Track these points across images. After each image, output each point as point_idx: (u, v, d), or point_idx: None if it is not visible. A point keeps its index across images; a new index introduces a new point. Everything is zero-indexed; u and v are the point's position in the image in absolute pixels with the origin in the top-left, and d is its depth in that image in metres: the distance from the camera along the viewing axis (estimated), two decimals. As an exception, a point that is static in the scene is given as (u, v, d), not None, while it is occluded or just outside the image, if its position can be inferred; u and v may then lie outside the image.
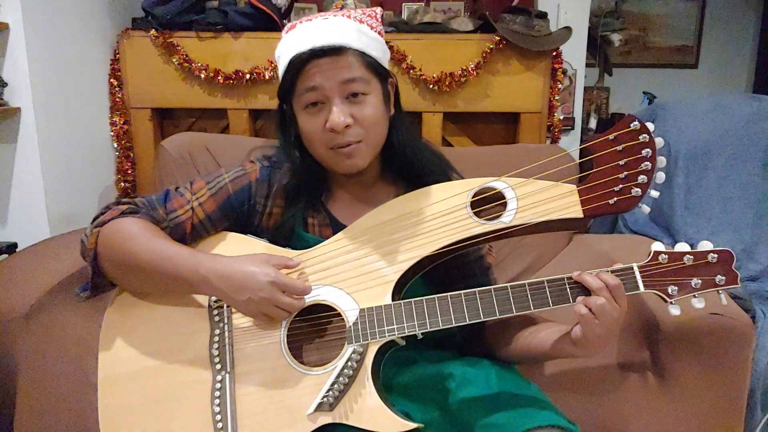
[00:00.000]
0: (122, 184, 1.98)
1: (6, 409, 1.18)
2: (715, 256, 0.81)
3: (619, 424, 1.17)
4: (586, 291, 0.80)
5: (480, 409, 0.86)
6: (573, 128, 2.29)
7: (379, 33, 0.95)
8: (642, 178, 0.82)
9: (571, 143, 2.29)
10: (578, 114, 2.30)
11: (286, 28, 0.94)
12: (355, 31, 0.90)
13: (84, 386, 1.11)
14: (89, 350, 1.11)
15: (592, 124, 2.64)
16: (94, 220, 0.93)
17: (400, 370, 0.95)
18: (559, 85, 1.99)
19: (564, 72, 2.08)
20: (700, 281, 0.81)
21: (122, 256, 0.89)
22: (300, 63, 0.88)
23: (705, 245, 0.83)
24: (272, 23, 1.90)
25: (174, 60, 1.89)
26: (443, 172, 1.01)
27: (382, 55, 0.95)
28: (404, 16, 2.17)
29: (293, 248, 0.93)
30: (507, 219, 0.85)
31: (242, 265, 0.85)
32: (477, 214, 0.86)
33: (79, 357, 1.13)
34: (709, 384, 1.13)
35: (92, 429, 0.89)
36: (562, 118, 2.15)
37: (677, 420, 1.15)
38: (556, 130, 2.05)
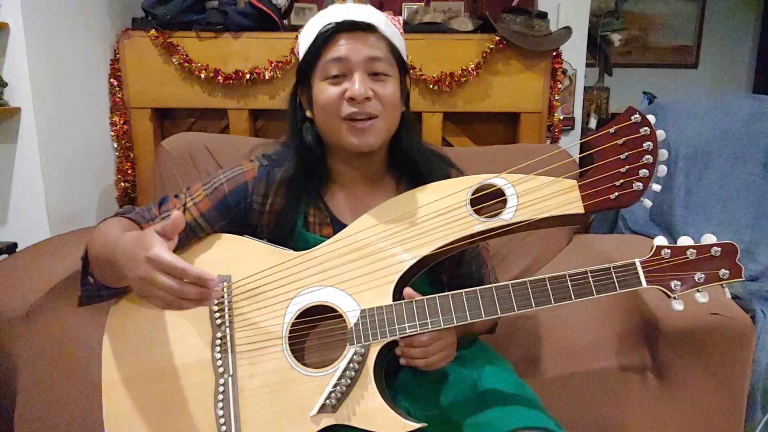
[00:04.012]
0: (122, 184, 1.98)
1: (6, 409, 1.18)
2: (719, 249, 0.79)
3: (619, 424, 1.17)
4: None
5: (469, 408, 0.87)
6: (573, 128, 2.30)
7: (401, 34, 0.99)
8: (643, 172, 0.80)
9: (571, 143, 2.28)
10: (578, 114, 2.30)
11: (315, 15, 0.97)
12: (384, 19, 0.94)
13: (84, 386, 1.11)
14: (89, 350, 1.11)
15: (592, 124, 2.64)
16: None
17: (401, 367, 0.95)
18: (559, 85, 1.99)
19: (564, 72, 2.08)
20: (703, 275, 0.79)
21: (92, 251, 0.89)
22: (330, 33, 0.89)
23: (708, 238, 0.81)
24: (272, 23, 1.90)
25: (174, 60, 1.89)
26: (444, 172, 1.01)
27: (403, 52, 0.98)
28: (404, 16, 2.17)
29: (294, 248, 0.92)
30: (507, 216, 0.84)
31: (135, 237, 0.77)
32: (477, 211, 0.86)
33: (79, 357, 1.13)
34: (709, 384, 1.13)
35: (93, 429, 0.89)
36: (562, 118, 2.15)
37: (677, 420, 1.15)
38: (556, 130, 2.06)
